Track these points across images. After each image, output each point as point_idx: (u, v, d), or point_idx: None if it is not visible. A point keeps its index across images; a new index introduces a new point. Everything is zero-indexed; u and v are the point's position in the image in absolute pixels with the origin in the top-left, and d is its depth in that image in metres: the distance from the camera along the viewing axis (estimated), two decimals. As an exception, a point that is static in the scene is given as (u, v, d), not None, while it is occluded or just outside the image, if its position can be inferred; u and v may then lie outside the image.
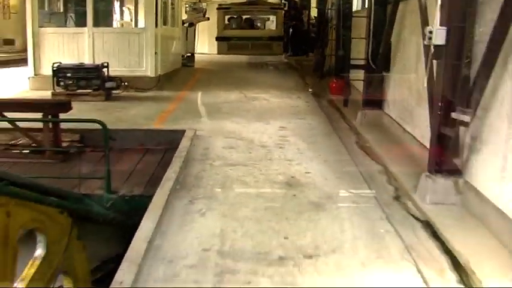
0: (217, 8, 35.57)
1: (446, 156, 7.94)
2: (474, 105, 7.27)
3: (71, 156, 10.93)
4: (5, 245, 6.52)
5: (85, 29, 18.34)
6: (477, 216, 7.26)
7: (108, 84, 16.35)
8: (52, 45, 18.40)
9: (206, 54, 36.07)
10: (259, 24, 37.08)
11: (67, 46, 18.31)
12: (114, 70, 17.18)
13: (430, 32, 7.68)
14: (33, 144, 11.17)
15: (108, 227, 8.84)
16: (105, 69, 16.66)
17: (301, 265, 5.97)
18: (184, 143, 10.74)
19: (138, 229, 6.56)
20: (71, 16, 21.69)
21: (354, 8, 18.27)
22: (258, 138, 11.87)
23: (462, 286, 5.74)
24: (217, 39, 35.23)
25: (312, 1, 32.33)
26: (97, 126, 8.88)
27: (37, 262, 7.34)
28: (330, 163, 10.07)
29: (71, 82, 16.24)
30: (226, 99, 17.01)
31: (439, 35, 7.55)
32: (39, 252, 7.38)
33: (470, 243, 6.52)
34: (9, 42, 36.82)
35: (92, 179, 9.16)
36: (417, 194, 8.16)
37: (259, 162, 10.06)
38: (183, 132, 11.64)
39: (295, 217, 7.36)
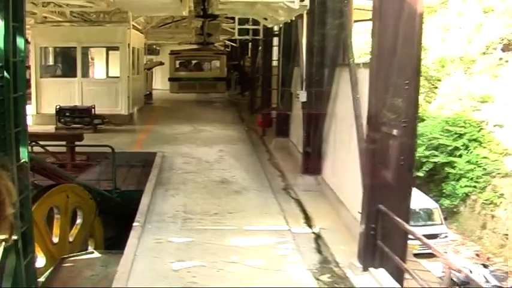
0: (170, 54, 39.46)
1: (310, 163, 13.58)
2: (319, 135, 12.96)
3: (83, 169, 16.11)
4: (65, 214, 11.87)
5: (75, 79, 23.49)
6: (324, 195, 12.88)
7: (96, 121, 21.59)
8: (50, 91, 23.42)
9: (159, 90, 40.79)
10: (205, 67, 40.93)
11: (62, 91, 23.32)
12: (98, 109, 22.32)
13: (298, 94, 13.37)
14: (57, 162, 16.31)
15: (109, 218, 14.00)
16: (92, 110, 21.83)
17: (225, 216, 11.50)
18: (157, 160, 16.14)
19: (141, 201, 11.91)
20: (58, 66, 26.66)
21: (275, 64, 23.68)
22: (204, 157, 17.34)
23: (309, 228, 11.21)
24: (169, 79, 38.75)
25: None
26: (96, 149, 14.33)
27: (78, 227, 12.66)
28: (249, 171, 15.62)
29: (69, 119, 21.38)
30: (181, 131, 22.34)
31: (302, 96, 13.24)
32: (79, 221, 12.71)
33: (316, 207, 12.10)
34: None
35: (104, 180, 14.38)
36: (296, 185, 13.73)
37: (205, 170, 15.57)
38: (155, 153, 16.97)
39: (224, 197, 12.92)
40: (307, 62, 13.65)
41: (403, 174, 8.17)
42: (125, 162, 16.71)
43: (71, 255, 10.81)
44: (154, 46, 46.20)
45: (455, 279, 18.33)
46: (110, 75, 25.58)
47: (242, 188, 13.74)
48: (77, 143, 16.01)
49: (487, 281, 19.62)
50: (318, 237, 10.51)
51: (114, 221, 14.04)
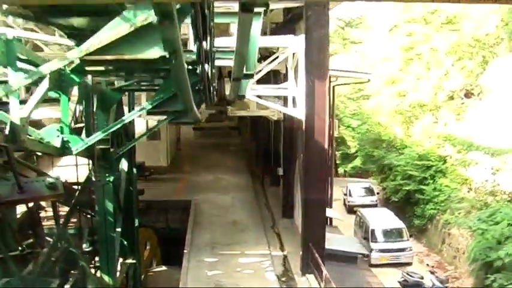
0: None
1: (287, 211, 21.82)
2: (291, 194, 21.21)
3: (144, 213, 24.21)
4: (142, 244, 20.11)
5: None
6: (294, 232, 21.03)
7: (146, 173, 29.81)
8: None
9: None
10: (222, 118, 46.25)
11: (119, 151, 31.44)
12: (146, 163, 30.42)
13: (278, 169, 21.67)
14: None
15: (162, 246, 22.17)
16: (143, 164, 29.99)
17: (235, 245, 19.78)
18: (193, 206, 24.30)
19: (186, 237, 20.10)
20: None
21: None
22: (222, 203, 25.58)
23: (281, 252, 19.37)
24: (193, 129, 45.66)
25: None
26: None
27: (147, 251, 20.97)
28: (250, 214, 23.84)
29: (127, 173, 29.56)
30: (206, 179, 30.44)
31: (280, 170, 21.62)
32: (148, 247, 20.99)
33: (288, 239, 20.31)
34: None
35: (159, 222, 22.58)
36: (278, 225, 21.93)
37: (223, 214, 23.86)
38: (190, 201, 25.07)
39: (235, 232, 21.24)
40: (283, 148, 22.01)
41: (319, 227, 16.40)
42: (170, 207, 24.78)
43: (150, 268, 19.15)
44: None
45: (408, 281, 25.80)
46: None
47: (245, 227, 21.97)
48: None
49: (434, 284, 26.22)
50: (285, 257, 18.70)
51: (165, 248, 22.20)
